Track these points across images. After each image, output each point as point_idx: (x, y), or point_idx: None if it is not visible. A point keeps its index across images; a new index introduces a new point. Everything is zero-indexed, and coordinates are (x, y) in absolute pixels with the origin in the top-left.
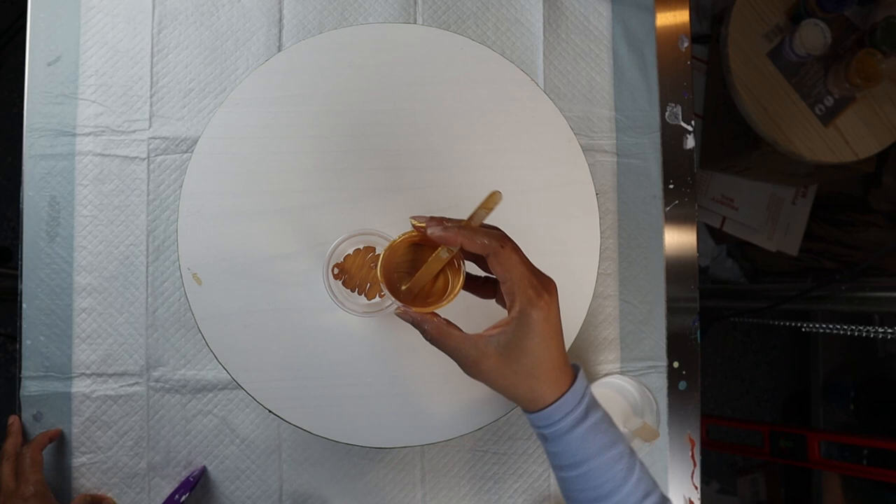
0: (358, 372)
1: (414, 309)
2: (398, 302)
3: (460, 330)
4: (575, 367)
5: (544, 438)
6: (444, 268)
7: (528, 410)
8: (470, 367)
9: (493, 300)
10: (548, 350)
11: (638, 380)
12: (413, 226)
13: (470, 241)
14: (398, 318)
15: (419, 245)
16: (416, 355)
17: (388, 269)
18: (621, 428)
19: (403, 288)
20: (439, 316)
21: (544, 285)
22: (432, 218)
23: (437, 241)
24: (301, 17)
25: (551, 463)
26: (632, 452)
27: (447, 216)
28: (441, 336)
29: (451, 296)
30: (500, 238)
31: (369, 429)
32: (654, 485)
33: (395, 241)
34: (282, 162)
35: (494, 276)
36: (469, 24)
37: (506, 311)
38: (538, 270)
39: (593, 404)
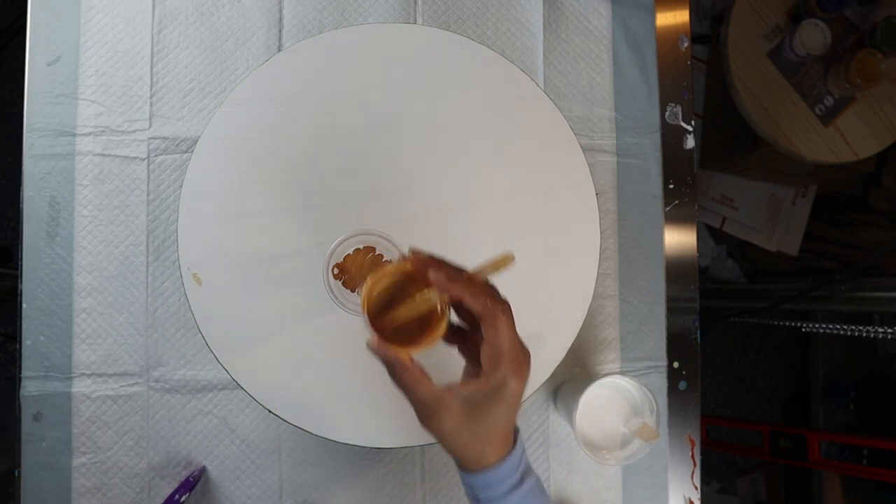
0: (358, 372)
1: (392, 347)
2: (372, 331)
3: (430, 380)
4: (515, 429)
5: (476, 500)
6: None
7: (467, 470)
8: (429, 419)
9: (456, 347)
10: (507, 418)
11: (638, 380)
12: (411, 261)
13: (473, 299)
14: (368, 349)
15: (408, 277)
16: (415, 355)
17: (371, 296)
18: (622, 428)
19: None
20: (414, 360)
21: (525, 357)
22: (432, 258)
23: (438, 288)
24: (301, 17)
25: None
26: None
27: (449, 258)
28: (412, 383)
29: (430, 341)
30: (501, 302)
31: (369, 429)
32: None
33: (385, 269)
34: (282, 162)
35: (465, 327)
36: (469, 24)
37: (463, 360)
38: (521, 341)
39: (528, 470)
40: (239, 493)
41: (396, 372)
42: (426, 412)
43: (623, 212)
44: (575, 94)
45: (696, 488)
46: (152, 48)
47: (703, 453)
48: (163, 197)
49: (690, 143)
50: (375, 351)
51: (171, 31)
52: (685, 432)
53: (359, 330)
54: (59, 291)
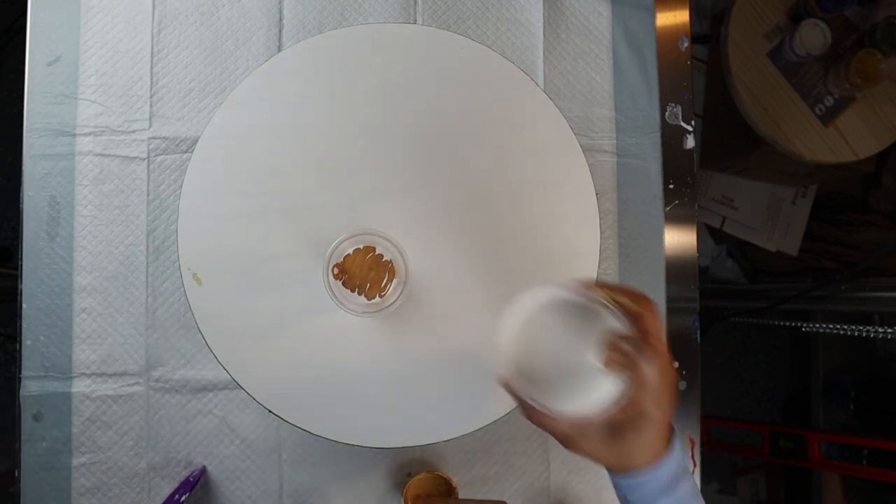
0: (358, 372)
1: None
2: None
3: (554, 419)
4: (672, 433)
5: (626, 501)
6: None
7: (613, 472)
8: (568, 445)
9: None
10: (649, 438)
11: None
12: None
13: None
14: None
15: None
16: (415, 355)
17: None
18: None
19: None
20: (540, 403)
21: (668, 386)
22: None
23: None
24: (301, 17)
25: None
26: None
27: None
28: (546, 423)
29: None
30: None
31: (369, 429)
32: None
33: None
34: (282, 162)
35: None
36: (469, 24)
37: None
38: (671, 367)
39: (682, 476)
40: (239, 493)
41: (530, 415)
42: (566, 441)
43: (623, 212)
44: (575, 94)
45: None
46: (152, 48)
47: (703, 453)
48: (163, 197)
49: (690, 143)
50: (511, 392)
51: (171, 31)
52: (685, 432)
53: (359, 329)
54: (59, 291)
